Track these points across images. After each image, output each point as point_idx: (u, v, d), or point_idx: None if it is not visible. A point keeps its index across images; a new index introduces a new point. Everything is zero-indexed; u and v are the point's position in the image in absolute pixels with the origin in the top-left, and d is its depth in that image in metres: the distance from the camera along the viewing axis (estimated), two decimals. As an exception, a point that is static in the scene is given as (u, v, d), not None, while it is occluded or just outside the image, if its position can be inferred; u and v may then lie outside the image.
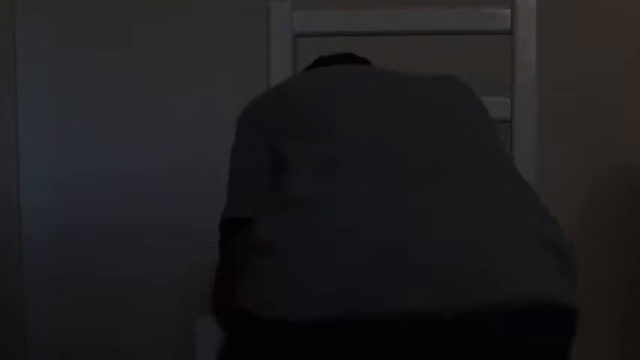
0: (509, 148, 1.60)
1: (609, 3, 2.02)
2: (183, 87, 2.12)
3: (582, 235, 2.06)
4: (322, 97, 1.16)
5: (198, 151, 2.13)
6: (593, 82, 2.03)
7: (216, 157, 2.09)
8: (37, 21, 2.14)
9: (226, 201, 1.19)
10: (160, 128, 2.13)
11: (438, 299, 0.92)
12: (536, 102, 1.59)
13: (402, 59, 1.90)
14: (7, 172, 2.16)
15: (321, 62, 1.47)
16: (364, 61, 1.46)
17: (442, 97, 1.21)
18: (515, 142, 1.59)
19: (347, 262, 0.93)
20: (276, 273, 0.95)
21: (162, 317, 2.15)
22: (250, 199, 1.14)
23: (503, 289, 0.94)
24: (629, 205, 2.05)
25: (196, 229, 2.02)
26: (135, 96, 2.14)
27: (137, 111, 2.15)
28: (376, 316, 0.92)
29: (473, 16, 1.62)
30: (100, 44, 2.14)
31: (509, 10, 1.59)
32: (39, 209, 2.17)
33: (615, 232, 2.06)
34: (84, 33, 2.14)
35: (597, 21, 2.02)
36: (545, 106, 1.64)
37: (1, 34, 2.14)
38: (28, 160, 2.17)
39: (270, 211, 1.02)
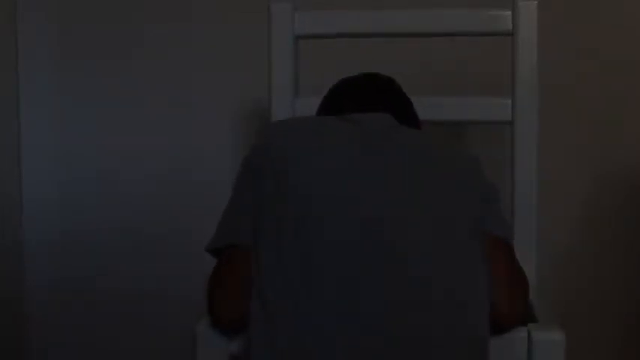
0: (510, 149, 1.60)
1: (610, 4, 2.02)
2: (184, 88, 2.12)
3: (582, 235, 2.06)
4: (316, 185, 1.18)
5: (200, 152, 2.13)
6: (593, 83, 2.03)
7: (217, 159, 2.11)
8: (39, 22, 2.14)
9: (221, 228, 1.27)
10: (162, 130, 2.13)
11: None
12: (537, 103, 1.60)
13: (402, 60, 1.90)
14: (9, 174, 2.16)
15: (344, 87, 1.45)
16: (389, 82, 1.44)
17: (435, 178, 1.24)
18: (516, 142, 1.59)
19: None
20: None
21: (162, 319, 2.15)
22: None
23: None
24: (629, 205, 2.05)
25: (197, 230, 2.02)
26: (136, 97, 2.14)
27: (138, 112, 2.15)
28: None
29: (474, 17, 1.62)
30: (102, 45, 2.14)
31: (510, 12, 1.59)
32: (40, 212, 2.17)
33: (615, 232, 2.06)
34: (85, 34, 2.14)
35: (598, 22, 2.02)
36: (545, 107, 1.64)
37: (2, 35, 2.14)
38: (29, 161, 2.17)
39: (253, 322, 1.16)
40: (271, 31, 1.63)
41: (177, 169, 2.14)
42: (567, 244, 2.05)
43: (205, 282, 1.26)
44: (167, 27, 2.11)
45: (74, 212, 2.17)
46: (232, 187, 1.28)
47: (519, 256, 1.28)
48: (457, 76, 1.99)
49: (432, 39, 1.72)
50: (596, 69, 2.03)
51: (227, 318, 1.24)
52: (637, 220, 2.05)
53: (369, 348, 1.10)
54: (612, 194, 2.05)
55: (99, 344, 2.18)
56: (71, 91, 2.16)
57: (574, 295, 2.06)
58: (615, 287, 2.06)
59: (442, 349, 1.12)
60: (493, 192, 1.28)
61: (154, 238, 2.15)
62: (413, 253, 1.14)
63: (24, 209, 2.17)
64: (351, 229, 1.14)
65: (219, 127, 2.13)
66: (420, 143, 1.28)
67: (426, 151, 1.26)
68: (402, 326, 1.11)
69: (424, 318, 1.12)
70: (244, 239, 1.21)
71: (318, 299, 1.11)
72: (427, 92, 1.57)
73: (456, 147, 1.33)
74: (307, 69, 1.68)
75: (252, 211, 1.21)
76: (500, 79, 1.65)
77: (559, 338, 1.25)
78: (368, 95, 1.40)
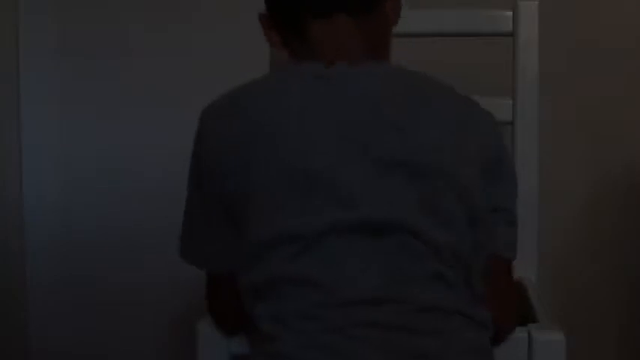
0: (510, 149, 1.60)
1: (610, 4, 2.02)
2: (184, 89, 2.11)
3: (582, 235, 2.06)
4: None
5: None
6: (593, 83, 2.03)
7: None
8: (39, 22, 2.14)
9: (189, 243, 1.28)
10: (162, 131, 2.14)
11: None
12: (537, 103, 1.60)
13: (402, 61, 1.90)
14: (10, 175, 2.16)
15: None
16: None
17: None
18: (516, 143, 1.59)
19: None
20: None
21: (164, 319, 2.16)
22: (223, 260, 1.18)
23: None
24: (629, 205, 2.05)
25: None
26: (137, 98, 2.14)
27: (139, 114, 2.15)
28: None
29: (475, 18, 1.62)
30: (102, 45, 2.14)
31: (510, 12, 1.59)
32: (41, 212, 2.17)
33: (615, 232, 2.06)
34: (86, 34, 2.14)
35: (598, 22, 2.02)
36: (546, 108, 1.64)
37: (3, 36, 2.14)
38: (30, 161, 2.17)
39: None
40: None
41: (178, 169, 2.13)
42: (567, 244, 2.05)
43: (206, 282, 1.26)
44: (167, 27, 2.11)
45: (75, 212, 2.17)
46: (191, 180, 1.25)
47: (519, 257, 1.28)
48: (457, 76, 1.99)
49: (432, 39, 1.72)
50: (597, 69, 2.03)
51: (225, 328, 1.26)
52: (637, 220, 2.05)
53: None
54: (612, 194, 2.05)
55: (100, 344, 2.18)
56: (72, 91, 2.16)
57: (574, 295, 2.06)
58: (615, 287, 2.06)
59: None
60: (504, 198, 1.19)
61: (155, 239, 2.14)
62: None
63: (25, 209, 2.17)
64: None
65: (219, 128, 2.12)
66: (420, 115, 1.13)
67: (424, 134, 1.11)
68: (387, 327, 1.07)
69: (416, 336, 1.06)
70: (221, 262, 1.18)
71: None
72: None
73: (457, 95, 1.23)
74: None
75: (218, 215, 1.16)
76: (501, 79, 1.65)
77: (559, 338, 1.25)
78: None
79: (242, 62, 2.07)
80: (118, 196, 2.16)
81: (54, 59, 2.15)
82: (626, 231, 2.05)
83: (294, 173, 1.07)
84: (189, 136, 2.16)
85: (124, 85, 2.15)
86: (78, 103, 2.16)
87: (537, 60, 1.58)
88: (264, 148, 1.09)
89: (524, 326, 1.27)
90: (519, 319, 1.27)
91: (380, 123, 1.10)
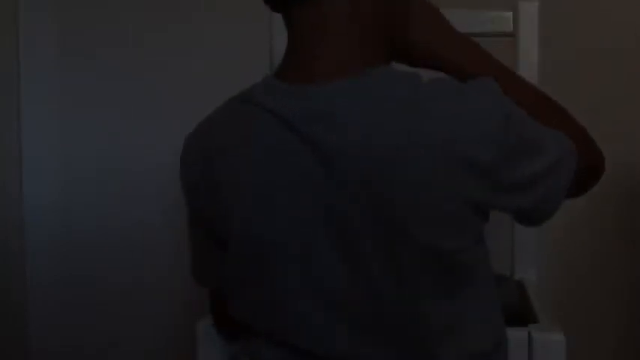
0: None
1: (610, 4, 2.02)
2: (184, 89, 2.12)
3: (582, 235, 2.06)
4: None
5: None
6: (593, 83, 2.03)
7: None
8: (40, 22, 2.14)
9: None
10: (162, 131, 2.14)
11: None
12: (538, 103, 1.59)
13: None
14: (10, 175, 2.16)
15: None
16: None
17: None
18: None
19: None
20: None
21: (164, 319, 2.16)
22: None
23: None
24: (629, 205, 2.05)
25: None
26: (137, 98, 2.14)
27: (139, 114, 2.15)
28: None
29: (475, 18, 1.62)
30: (103, 45, 2.14)
31: (510, 12, 1.59)
32: (41, 212, 2.17)
33: (615, 232, 2.06)
34: (86, 34, 2.14)
35: (598, 22, 2.02)
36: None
37: (3, 35, 2.14)
38: (30, 161, 2.17)
39: None
40: (272, 34, 1.63)
41: (177, 169, 2.14)
42: (567, 244, 2.05)
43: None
44: (167, 27, 2.12)
45: (75, 212, 2.17)
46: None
47: (520, 257, 1.28)
48: (457, 76, 1.99)
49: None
50: (597, 69, 2.03)
51: (225, 334, 1.27)
52: (637, 220, 2.05)
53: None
54: (613, 194, 2.05)
55: (100, 344, 2.18)
56: (72, 91, 2.16)
57: (574, 295, 2.06)
58: (615, 287, 2.06)
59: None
60: None
61: (154, 239, 2.15)
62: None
63: (25, 209, 2.17)
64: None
65: (219, 127, 2.12)
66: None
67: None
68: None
69: None
70: (212, 279, 1.18)
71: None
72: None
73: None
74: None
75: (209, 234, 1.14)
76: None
77: (559, 338, 1.25)
78: None
79: (242, 62, 2.08)
80: (118, 196, 2.16)
81: (54, 59, 2.15)
82: (627, 231, 2.05)
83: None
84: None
85: (123, 85, 2.15)
86: (78, 103, 2.16)
87: (537, 60, 1.58)
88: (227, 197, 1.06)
89: (525, 326, 1.27)
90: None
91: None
